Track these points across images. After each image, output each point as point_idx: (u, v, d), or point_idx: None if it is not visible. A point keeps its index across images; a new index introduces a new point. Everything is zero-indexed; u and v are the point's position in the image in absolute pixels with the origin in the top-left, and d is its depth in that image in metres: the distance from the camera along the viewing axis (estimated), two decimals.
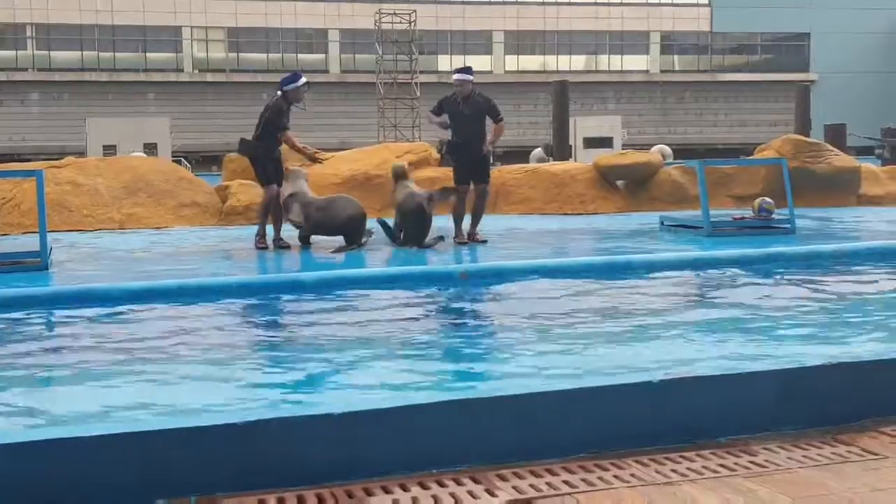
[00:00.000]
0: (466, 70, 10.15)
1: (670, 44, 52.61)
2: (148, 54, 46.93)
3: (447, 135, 10.28)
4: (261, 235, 9.80)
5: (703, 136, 50.98)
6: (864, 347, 4.87)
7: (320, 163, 10.88)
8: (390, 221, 10.11)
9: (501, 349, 5.15)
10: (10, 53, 45.64)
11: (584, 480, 3.04)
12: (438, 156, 12.70)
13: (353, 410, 3.21)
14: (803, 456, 3.26)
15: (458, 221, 10.16)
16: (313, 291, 7.05)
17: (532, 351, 5.01)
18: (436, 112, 10.24)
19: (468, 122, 9.96)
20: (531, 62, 50.95)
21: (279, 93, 9.79)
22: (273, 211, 9.78)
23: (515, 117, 47.19)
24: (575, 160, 25.04)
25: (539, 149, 29.40)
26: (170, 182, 14.00)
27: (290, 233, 9.95)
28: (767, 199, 11.04)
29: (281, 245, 9.71)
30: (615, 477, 3.07)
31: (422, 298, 6.90)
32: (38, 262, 8.21)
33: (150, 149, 27.17)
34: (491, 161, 10.70)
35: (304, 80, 9.88)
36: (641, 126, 48.52)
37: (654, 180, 15.31)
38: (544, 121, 40.84)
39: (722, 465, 3.16)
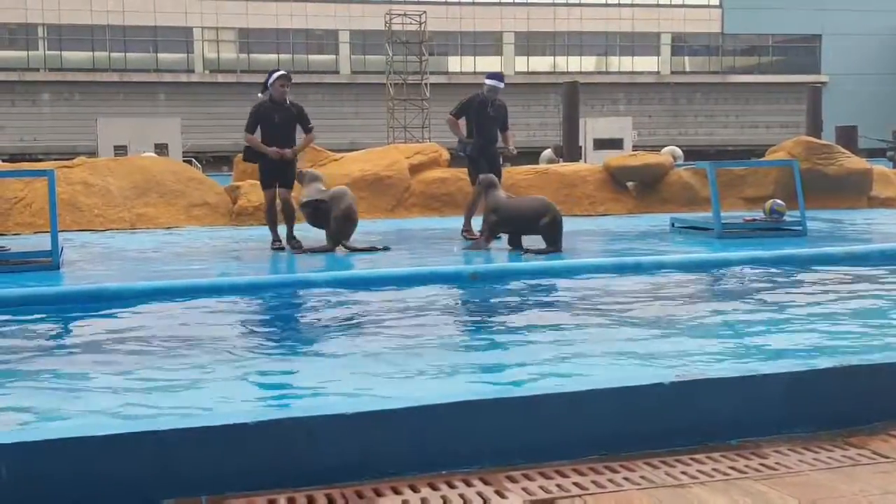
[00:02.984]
0: (501, 77, 10.60)
1: (681, 45, 52.56)
2: (159, 55, 47.10)
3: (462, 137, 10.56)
4: (274, 238, 9.82)
5: (713, 138, 50.94)
6: (875, 350, 4.85)
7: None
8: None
9: (511, 350, 5.14)
10: (22, 54, 45.84)
11: (593, 482, 3.03)
12: (454, 155, 12.87)
13: (363, 410, 3.22)
14: (814, 458, 3.25)
15: (469, 217, 10.52)
16: (324, 291, 7.06)
17: (542, 352, 5.01)
18: (456, 115, 10.39)
19: (492, 125, 10.45)
20: (541, 63, 50.96)
21: (260, 94, 9.90)
22: (284, 211, 9.77)
23: (525, 118, 47.20)
24: (585, 161, 25.04)
25: (549, 150, 29.41)
26: (180, 182, 14.04)
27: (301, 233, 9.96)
28: (778, 201, 11.01)
29: (293, 246, 9.72)
30: (625, 479, 3.06)
31: (431, 299, 6.90)
32: (49, 262, 8.24)
33: (161, 149, 27.27)
34: (500, 162, 10.96)
35: (278, 72, 9.90)
36: (652, 127, 48.50)
37: (664, 182, 15.29)
38: (554, 122, 40.81)
39: (732, 468, 3.16)
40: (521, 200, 9.70)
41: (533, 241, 9.20)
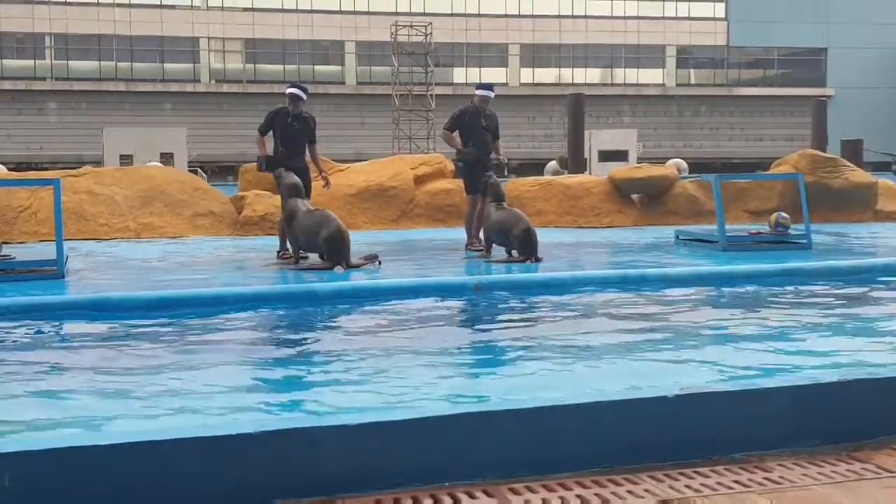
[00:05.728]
0: (491, 86, 10.69)
1: (686, 57, 52.62)
2: (165, 65, 47.25)
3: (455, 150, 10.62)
4: (284, 248, 9.77)
5: (718, 151, 50.93)
6: (879, 364, 4.84)
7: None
8: None
9: (515, 361, 5.14)
10: (29, 63, 46.01)
11: (597, 495, 3.02)
12: (454, 166, 12.87)
13: (366, 422, 3.21)
14: (818, 472, 3.23)
15: (469, 230, 10.48)
16: (328, 303, 7.07)
17: (546, 364, 5.00)
18: (450, 129, 10.44)
19: (486, 135, 10.45)
20: (547, 75, 51.01)
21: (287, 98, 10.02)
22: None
23: (530, 130, 47.25)
24: (590, 173, 25.02)
25: (554, 161, 29.41)
26: (186, 192, 14.06)
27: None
28: (783, 214, 11.00)
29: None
30: (629, 492, 3.05)
31: (435, 309, 6.90)
32: (54, 271, 8.25)
33: (167, 158, 27.27)
34: (505, 173, 10.94)
35: (290, 89, 9.97)
36: (657, 139, 48.50)
37: (669, 194, 15.28)
38: (559, 134, 40.85)
39: (736, 481, 3.15)
40: (508, 213, 9.67)
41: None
